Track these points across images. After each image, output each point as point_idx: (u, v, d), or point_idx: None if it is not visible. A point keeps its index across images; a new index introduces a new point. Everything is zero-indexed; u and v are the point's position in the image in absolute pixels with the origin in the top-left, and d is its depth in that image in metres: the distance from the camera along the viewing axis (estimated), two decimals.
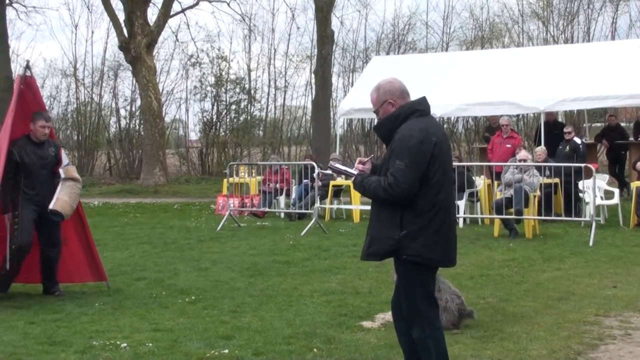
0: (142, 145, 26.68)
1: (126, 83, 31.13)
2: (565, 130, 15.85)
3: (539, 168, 13.31)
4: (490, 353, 6.10)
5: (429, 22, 30.88)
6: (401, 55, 26.80)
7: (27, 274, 8.46)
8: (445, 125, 28.24)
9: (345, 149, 29.29)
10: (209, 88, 30.18)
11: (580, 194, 13.91)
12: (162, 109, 25.71)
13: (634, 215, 13.30)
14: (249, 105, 30.67)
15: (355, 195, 14.72)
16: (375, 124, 5.17)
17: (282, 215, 16.18)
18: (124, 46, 24.00)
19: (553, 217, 13.39)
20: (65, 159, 8.47)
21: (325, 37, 24.88)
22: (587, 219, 12.75)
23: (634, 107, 21.92)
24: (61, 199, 8.14)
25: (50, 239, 8.30)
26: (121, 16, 24.41)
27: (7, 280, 8.37)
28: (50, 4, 48.27)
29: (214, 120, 30.24)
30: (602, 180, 14.57)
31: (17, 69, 25.23)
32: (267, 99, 31.27)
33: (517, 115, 25.86)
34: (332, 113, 25.95)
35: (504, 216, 12.70)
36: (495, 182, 14.60)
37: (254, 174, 17.68)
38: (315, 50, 26.76)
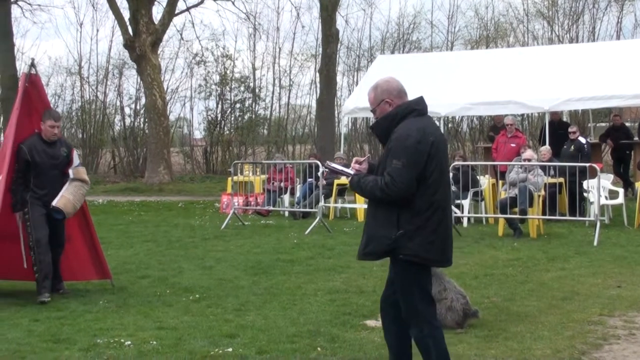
0: (146, 143, 26.68)
1: (131, 81, 31.22)
2: (569, 129, 15.81)
3: (543, 167, 13.29)
4: (494, 352, 6.09)
5: (434, 21, 30.96)
6: (406, 55, 26.75)
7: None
8: (449, 125, 28.33)
9: (349, 148, 29.31)
10: (213, 86, 30.23)
11: (585, 194, 13.88)
12: (166, 107, 25.68)
13: (639, 215, 13.27)
14: (254, 104, 30.66)
15: None
16: (372, 123, 5.16)
17: (287, 213, 16.17)
18: (128, 44, 23.99)
19: (557, 217, 13.39)
20: (76, 160, 8.44)
21: (330, 36, 24.84)
22: (592, 218, 12.73)
23: (638, 107, 21.89)
24: (65, 197, 8.12)
25: (56, 238, 8.29)
26: (126, 14, 24.42)
27: (48, 284, 8.10)
28: (56, 2, 48.14)
29: (219, 118, 30.25)
30: (606, 180, 14.52)
31: (22, 67, 25.49)
32: (272, 97, 31.32)
33: (522, 115, 25.82)
34: (336, 112, 25.92)
35: (508, 216, 12.69)
36: (500, 182, 14.59)
37: (258, 173, 17.69)
38: (320, 49, 26.75)
